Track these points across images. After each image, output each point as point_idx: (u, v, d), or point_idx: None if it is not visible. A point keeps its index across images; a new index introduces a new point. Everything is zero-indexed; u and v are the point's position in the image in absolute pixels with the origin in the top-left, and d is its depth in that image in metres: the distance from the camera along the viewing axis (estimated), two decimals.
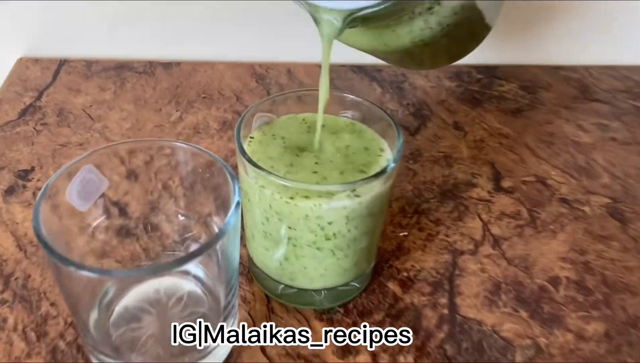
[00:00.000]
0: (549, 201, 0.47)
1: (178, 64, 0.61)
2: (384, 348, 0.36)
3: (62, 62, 0.59)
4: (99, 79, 0.57)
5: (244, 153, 0.33)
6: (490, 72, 0.62)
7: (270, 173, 0.32)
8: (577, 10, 0.62)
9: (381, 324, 0.38)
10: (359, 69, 0.62)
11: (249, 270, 0.40)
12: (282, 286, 0.38)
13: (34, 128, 0.51)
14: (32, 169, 0.47)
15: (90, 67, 0.59)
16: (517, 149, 0.52)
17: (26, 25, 0.58)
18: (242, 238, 0.39)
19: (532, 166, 0.51)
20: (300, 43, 0.62)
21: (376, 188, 0.33)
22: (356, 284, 0.39)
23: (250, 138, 0.36)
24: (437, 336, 0.37)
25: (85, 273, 0.26)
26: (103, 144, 0.50)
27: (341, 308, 0.38)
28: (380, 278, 0.40)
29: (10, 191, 0.45)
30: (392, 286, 0.40)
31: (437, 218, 0.45)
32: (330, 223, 0.32)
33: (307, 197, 0.32)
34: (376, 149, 0.36)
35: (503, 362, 0.36)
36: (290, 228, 0.33)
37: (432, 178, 0.49)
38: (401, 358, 0.36)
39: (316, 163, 0.34)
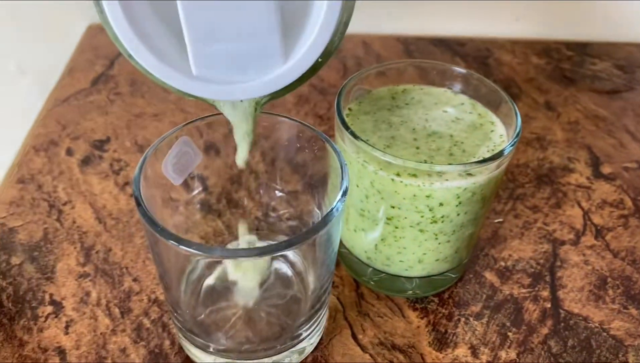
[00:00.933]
0: None
1: None
2: (484, 342, 0.34)
3: None
4: None
5: (346, 126, 0.30)
6: (581, 49, 0.58)
7: (375, 148, 0.29)
8: None
9: (479, 316, 0.35)
10: (440, 42, 0.58)
11: (339, 256, 0.38)
12: (371, 269, 0.35)
13: (107, 98, 0.50)
14: (108, 139, 0.46)
15: None
16: (615, 133, 0.48)
17: None
18: None
19: (634, 152, 0.47)
20: (375, 14, 0.58)
21: (491, 170, 0.30)
22: (451, 273, 0.36)
23: (349, 109, 0.33)
24: (540, 331, 0.34)
25: (189, 249, 0.24)
26: (179, 115, 0.48)
27: (436, 297, 0.36)
28: (476, 267, 0.38)
29: (86, 161, 0.44)
30: (490, 276, 0.37)
31: (534, 205, 0.42)
32: (441, 204, 0.29)
33: (414, 175, 0.29)
34: (487, 125, 0.33)
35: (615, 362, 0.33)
36: (393, 207, 0.30)
37: (526, 161, 0.45)
38: (503, 354, 0.33)
39: (415, 139, 0.32)
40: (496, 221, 0.41)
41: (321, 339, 0.33)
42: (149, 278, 0.36)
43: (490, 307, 0.35)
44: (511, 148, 0.30)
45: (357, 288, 0.36)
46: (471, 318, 0.35)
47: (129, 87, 0.51)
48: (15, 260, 0.37)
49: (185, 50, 0.22)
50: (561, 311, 0.35)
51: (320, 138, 0.29)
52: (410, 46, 0.58)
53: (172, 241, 0.24)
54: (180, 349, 0.33)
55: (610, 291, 0.37)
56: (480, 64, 0.55)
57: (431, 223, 0.30)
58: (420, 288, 0.36)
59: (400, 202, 0.30)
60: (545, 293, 0.36)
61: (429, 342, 0.34)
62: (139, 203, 0.25)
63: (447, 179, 0.29)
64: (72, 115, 0.47)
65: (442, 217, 0.30)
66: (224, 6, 0.21)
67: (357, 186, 0.31)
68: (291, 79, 0.23)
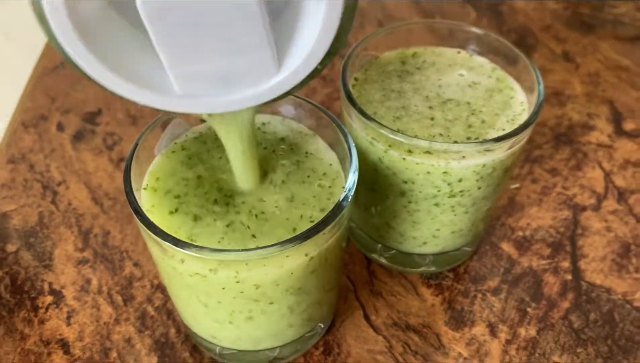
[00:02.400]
0: None
1: None
2: (502, 319, 0.32)
3: None
4: None
5: (352, 101, 0.28)
6: None
7: (383, 125, 0.27)
8: None
9: (497, 291, 0.33)
10: None
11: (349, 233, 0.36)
12: (381, 245, 0.34)
13: None
14: (99, 112, 0.43)
15: None
16: (639, 84, 0.46)
17: None
18: None
19: None
20: None
21: (511, 144, 0.27)
22: (467, 247, 0.34)
23: (355, 79, 0.31)
24: (561, 306, 0.33)
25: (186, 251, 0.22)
26: None
27: (450, 272, 0.34)
28: (492, 238, 0.36)
29: (79, 136, 0.41)
30: (507, 247, 0.35)
31: (553, 167, 0.40)
32: (460, 181, 0.27)
33: (428, 153, 0.27)
34: (507, 91, 0.30)
35: (639, 337, 0.32)
36: (405, 182, 0.28)
37: (543, 120, 0.43)
38: (522, 331, 0.32)
39: (430, 108, 0.29)
40: (512, 186, 0.39)
41: (333, 321, 0.32)
42: (150, 262, 0.34)
43: (508, 281, 0.34)
44: (533, 121, 0.27)
45: (369, 265, 0.35)
46: (488, 294, 0.33)
47: None
48: (10, 248, 0.35)
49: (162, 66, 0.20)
50: (582, 283, 0.34)
51: (328, 118, 0.27)
52: None
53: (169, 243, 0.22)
54: (187, 337, 0.31)
55: (634, 260, 0.35)
56: (493, 13, 0.52)
57: (449, 197, 0.28)
58: (435, 264, 0.34)
59: (414, 178, 0.28)
60: (566, 264, 0.35)
61: (445, 321, 0.32)
62: (130, 199, 0.23)
63: (464, 157, 0.27)
64: (62, 85, 0.45)
65: (462, 192, 0.28)
66: (202, 25, 0.18)
67: (366, 161, 0.29)
68: (286, 89, 0.20)
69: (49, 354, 0.31)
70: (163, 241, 0.22)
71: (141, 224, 0.23)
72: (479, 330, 0.32)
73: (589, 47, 0.49)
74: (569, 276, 0.34)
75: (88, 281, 0.34)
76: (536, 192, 0.38)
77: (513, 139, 0.27)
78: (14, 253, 0.35)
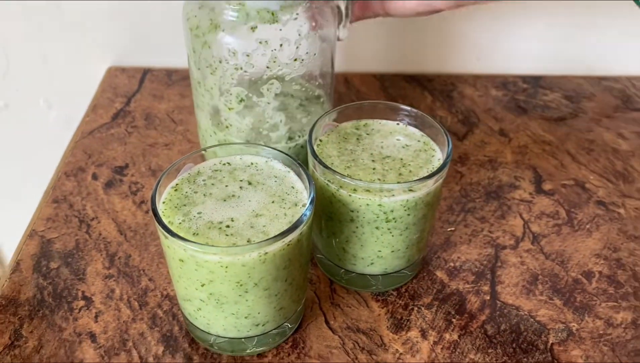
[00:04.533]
0: (587, 203, 0.52)
1: None
2: (432, 326, 0.41)
3: (146, 71, 0.67)
4: (179, 86, 0.65)
5: (315, 155, 0.39)
6: (536, 82, 0.67)
7: (335, 171, 0.38)
8: (622, 22, 0.66)
9: (430, 306, 0.43)
10: (411, 78, 0.67)
11: (314, 258, 0.46)
12: (343, 270, 0.44)
13: (126, 130, 0.59)
14: (127, 165, 0.54)
15: (171, 76, 0.66)
16: (558, 155, 0.57)
17: (114, 37, 0.66)
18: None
19: (572, 171, 0.55)
20: (355, 54, 0.67)
21: (429, 186, 0.38)
22: (407, 271, 0.44)
23: (320, 140, 0.42)
24: (479, 318, 0.42)
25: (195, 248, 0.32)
26: (185, 144, 0.57)
27: (394, 291, 0.44)
28: (429, 267, 0.46)
29: (109, 184, 0.52)
30: (440, 274, 0.45)
31: (482, 216, 0.50)
32: (392, 211, 0.38)
33: (368, 191, 0.37)
34: (429, 151, 0.41)
35: (537, 342, 0.41)
36: (352, 211, 0.39)
37: (478, 180, 0.54)
38: (447, 335, 0.41)
39: (373, 161, 0.40)
40: (449, 229, 0.49)
41: (300, 324, 0.41)
42: (162, 278, 0.44)
43: (439, 299, 0.43)
44: (441, 170, 0.38)
45: (331, 284, 0.44)
46: (423, 308, 0.43)
47: (144, 121, 0.60)
48: (53, 265, 0.45)
49: None
50: (498, 302, 0.43)
51: (298, 164, 0.38)
52: (386, 82, 0.66)
53: (180, 241, 0.33)
54: (187, 333, 0.41)
55: (540, 286, 0.45)
56: (445, 97, 0.64)
57: (386, 221, 0.39)
58: (383, 284, 0.44)
59: (358, 208, 0.38)
60: (486, 288, 0.44)
61: (387, 326, 0.42)
62: (155, 214, 0.34)
63: (393, 195, 0.37)
64: (96, 145, 0.56)
65: (394, 219, 0.38)
66: None
67: (324, 196, 0.40)
68: None
69: (80, 342, 0.40)
70: (175, 239, 0.33)
71: (158, 225, 0.33)
72: (413, 333, 0.41)
73: (521, 126, 0.60)
74: (487, 297, 0.44)
75: (112, 290, 0.43)
76: (467, 234, 0.48)
77: (426, 183, 0.38)
78: (56, 269, 0.45)
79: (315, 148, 0.40)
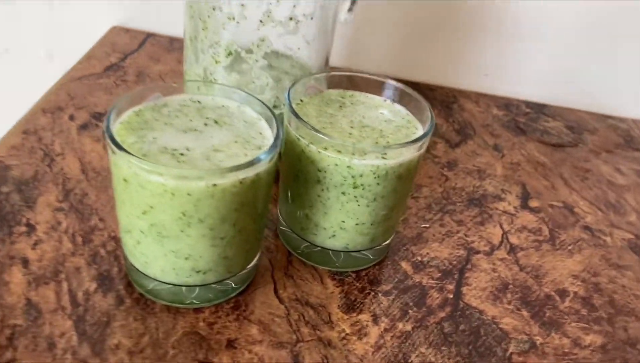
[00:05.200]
0: (573, 226, 0.49)
1: None
2: (385, 313, 0.39)
3: (149, 35, 0.66)
4: (179, 54, 0.64)
5: (291, 107, 0.37)
6: (539, 108, 0.65)
7: (308, 124, 0.36)
8: (638, 64, 0.64)
9: (388, 293, 0.40)
10: (414, 85, 0.65)
11: (277, 230, 0.44)
12: (306, 244, 0.41)
13: (114, 82, 0.57)
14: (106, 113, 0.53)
15: (172, 43, 0.65)
16: (551, 177, 0.54)
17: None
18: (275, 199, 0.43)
19: (562, 194, 0.53)
20: (362, 53, 0.66)
21: (404, 154, 0.36)
22: (370, 255, 0.41)
23: (301, 100, 0.40)
24: (437, 314, 0.39)
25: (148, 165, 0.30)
26: None
27: (354, 273, 0.41)
28: (395, 257, 0.43)
29: (84, 127, 0.51)
30: (405, 265, 0.43)
31: (460, 219, 0.47)
32: (361, 175, 0.36)
33: (339, 151, 0.35)
34: (412, 128, 0.39)
35: (496, 349, 0.38)
36: (319, 170, 0.36)
37: (462, 186, 0.51)
38: (400, 325, 0.38)
39: (351, 127, 0.38)
40: (423, 226, 0.46)
41: (248, 288, 0.39)
42: (113, 220, 0.42)
43: (399, 288, 0.41)
44: (419, 141, 0.36)
45: (289, 256, 0.42)
46: (380, 294, 0.40)
47: (135, 77, 0.58)
48: (4, 189, 0.43)
49: None
50: (461, 302, 0.40)
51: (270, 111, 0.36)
52: None
53: (127, 156, 0.31)
54: (125, 275, 0.38)
55: (509, 295, 0.42)
56: (445, 107, 0.62)
57: (353, 187, 0.36)
58: (343, 263, 0.41)
59: (326, 167, 0.36)
60: (451, 287, 0.41)
61: (339, 305, 0.39)
62: (107, 129, 0.32)
63: (365, 158, 0.35)
64: (81, 90, 0.55)
65: (362, 185, 0.36)
66: None
67: (293, 152, 0.37)
68: None
69: (11, 266, 0.37)
70: (122, 153, 0.30)
71: (108, 139, 0.31)
72: (364, 317, 0.38)
73: (517, 145, 0.58)
74: (450, 296, 0.41)
75: (59, 223, 0.41)
76: (441, 233, 0.46)
77: (400, 151, 0.35)
78: (6, 193, 0.43)
79: (294, 105, 0.38)
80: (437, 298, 0.40)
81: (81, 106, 0.53)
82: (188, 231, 0.33)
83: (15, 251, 0.38)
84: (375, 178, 0.36)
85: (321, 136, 0.35)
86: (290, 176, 0.39)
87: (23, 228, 0.40)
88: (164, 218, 0.32)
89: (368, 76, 0.42)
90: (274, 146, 0.33)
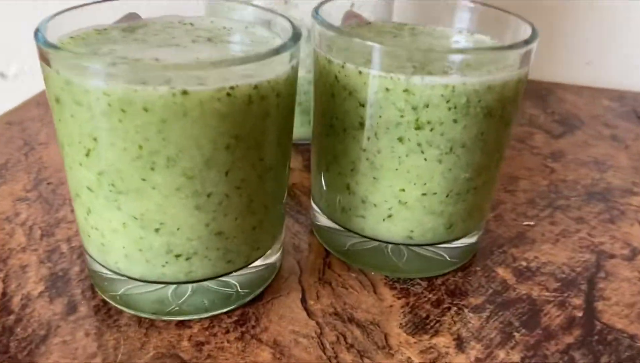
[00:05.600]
0: None
1: None
2: (477, 336, 0.24)
3: None
4: None
5: (318, 16, 0.25)
6: None
7: (342, 31, 0.24)
8: None
9: (478, 309, 0.26)
10: None
11: (311, 227, 0.31)
12: (352, 241, 0.28)
13: None
14: None
15: None
16: None
17: None
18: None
19: None
20: None
21: (497, 66, 0.23)
22: (447, 256, 0.28)
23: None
24: (562, 339, 0.24)
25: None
26: None
27: (424, 281, 0.27)
28: (487, 261, 0.29)
29: None
30: (503, 272, 0.28)
31: (579, 217, 0.33)
32: (427, 106, 0.23)
33: (390, 71, 0.23)
34: (499, 52, 0.26)
35: None
36: (363, 105, 0.24)
37: (575, 178, 0.37)
38: (501, 353, 0.24)
39: (409, 51, 0.26)
40: (525, 223, 0.32)
41: (262, 295, 0.26)
42: None
43: (495, 302, 0.26)
44: (520, 48, 0.23)
45: (327, 256, 0.29)
46: (466, 310, 0.26)
47: None
48: None
49: None
50: (597, 323, 0.25)
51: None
52: None
53: (52, 51, 0.20)
54: (87, 278, 0.26)
55: None
56: (538, 99, 0.49)
57: (415, 128, 0.23)
58: (407, 265, 0.27)
59: (372, 97, 0.23)
60: (578, 302, 0.27)
61: (400, 324, 0.25)
62: (37, 34, 0.21)
63: (429, 72, 0.23)
64: None
65: (430, 123, 0.23)
66: None
67: (325, 86, 0.25)
68: None
69: None
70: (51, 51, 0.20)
71: (37, 41, 0.20)
72: (443, 340, 0.24)
73: None
74: (579, 314, 0.26)
75: (17, 214, 0.30)
76: (553, 232, 0.32)
77: (490, 58, 0.23)
78: None
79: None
80: (558, 316, 0.26)
81: None
82: (153, 180, 0.21)
83: None
84: (449, 109, 0.23)
85: (361, 41, 0.23)
86: (322, 131, 0.27)
87: None
88: (114, 157, 0.20)
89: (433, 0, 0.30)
90: (285, 45, 0.21)
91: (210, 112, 0.20)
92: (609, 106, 0.48)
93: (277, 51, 0.21)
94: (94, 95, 0.19)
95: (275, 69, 0.21)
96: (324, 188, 0.28)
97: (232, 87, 0.20)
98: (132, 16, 0.26)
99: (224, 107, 0.20)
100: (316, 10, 0.26)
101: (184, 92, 0.19)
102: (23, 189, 0.33)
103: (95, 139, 0.20)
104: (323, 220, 0.29)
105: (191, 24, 0.26)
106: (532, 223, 0.32)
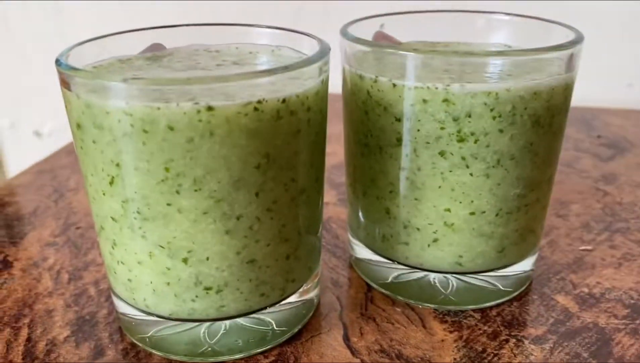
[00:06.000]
0: None
1: None
2: None
3: None
4: None
5: (347, 34, 0.24)
6: None
7: (373, 43, 0.23)
8: None
9: (541, 340, 0.23)
10: None
11: (350, 260, 0.29)
12: (395, 273, 0.26)
13: None
14: None
15: None
16: None
17: None
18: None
19: None
20: None
21: (544, 71, 0.21)
22: (501, 285, 0.25)
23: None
24: None
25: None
26: None
27: (477, 313, 0.25)
28: (544, 289, 0.27)
29: None
30: (563, 300, 0.26)
31: None
32: (469, 116, 0.21)
33: (426, 83, 0.21)
34: (546, 60, 0.25)
35: None
36: (399, 120, 0.22)
37: (632, 201, 0.34)
38: None
39: (449, 65, 0.24)
40: (582, 248, 0.30)
41: (300, 333, 0.24)
42: None
43: (558, 332, 0.24)
44: (567, 48, 0.22)
45: (368, 291, 0.27)
46: (527, 341, 0.23)
47: None
48: None
49: None
50: None
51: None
52: None
53: (71, 73, 0.19)
54: (115, 320, 0.25)
55: None
56: (582, 124, 0.46)
57: (458, 141, 0.22)
58: (457, 296, 0.25)
59: (408, 110, 0.22)
60: None
61: (456, 359, 0.22)
62: (58, 62, 0.21)
63: (468, 80, 0.21)
64: None
65: (474, 134, 0.21)
66: None
67: (356, 103, 0.24)
68: None
69: None
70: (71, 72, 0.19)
71: (57, 66, 0.20)
72: None
73: None
74: None
75: (45, 259, 0.29)
76: (614, 257, 0.29)
77: (537, 59, 0.21)
78: None
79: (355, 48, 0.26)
80: (632, 345, 0.23)
81: None
82: (179, 204, 0.19)
83: None
84: (494, 118, 0.21)
85: (394, 51, 0.22)
86: (357, 151, 0.25)
87: None
88: (138, 182, 0.19)
89: (469, 12, 0.29)
90: (312, 58, 0.20)
91: (238, 129, 0.18)
92: None
93: (304, 63, 0.20)
94: (115, 116, 0.18)
95: (304, 83, 0.20)
96: (362, 215, 0.26)
97: (259, 102, 0.18)
98: (157, 46, 0.25)
99: (251, 123, 0.19)
100: (345, 28, 0.25)
101: (209, 108, 0.18)
102: (51, 234, 0.32)
103: (118, 165, 0.19)
104: (362, 252, 0.27)
105: (217, 50, 0.25)
106: (589, 247, 0.30)
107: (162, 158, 0.19)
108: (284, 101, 0.19)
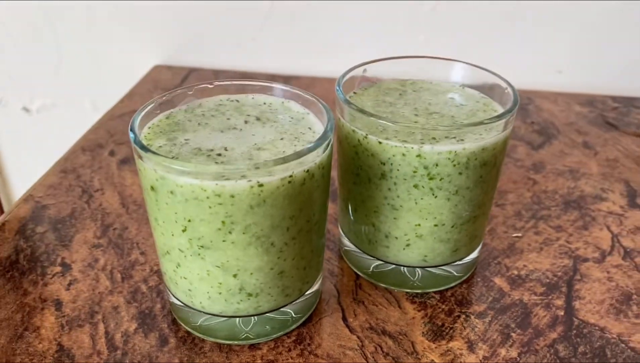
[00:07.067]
0: None
1: (297, 78, 0.62)
2: (483, 338, 0.31)
3: (192, 70, 0.63)
4: None
5: (342, 95, 0.32)
6: (629, 102, 0.57)
7: (364, 111, 0.30)
8: None
9: (482, 315, 0.33)
10: None
11: (340, 251, 0.37)
12: (375, 263, 0.35)
13: None
14: None
15: (217, 75, 0.62)
16: None
17: (163, 35, 0.63)
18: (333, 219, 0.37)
19: None
20: None
21: (485, 135, 0.29)
22: (454, 271, 0.34)
23: (354, 93, 0.35)
24: (548, 335, 0.32)
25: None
26: None
27: (437, 294, 0.34)
28: (485, 272, 0.36)
29: (125, 161, 0.47)
30: (499, 281, 0.35)
31: (558, 225, 0.40)
32: (436, 165, 0.29)
33: (404, 140, 0.29)
34: (489, 112, 0.33)
35: None
36: (384, 163, 0.30)
37: (554, 188, 0.44)
38: (502, 351, 0.31)
39: (415, 115, 0.32)
40: (514, 235, 0.39)
41: (310, 317, 0.32)
42: (154, 251, 0.37)
43: (495, 308, 0.33)
44: (502, 118, 0.30)
45: (357, 279, 0.35)
46: (472, 316, 0.33)
47: None
48: (39, 229, 0.39)
49: None
50: (575, 319, 0.33)
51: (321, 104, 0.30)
52: None
53: (152, 156, 0.26)
54: (169, 312, 0.33)
55: (635, 307, 0.33)
56: (519, 110, 0.55)
57: (428, 178, 0.30)
58: (422, 282, 0.34)
59: (391, 159, 0.30)
60: (559, 302, 0.34)
61: (423, 332, 0.32)
62: (132, 129, 0.27)
63: (436, 141, 0.29)
64: (122, 127, 0.52)
65: (439, 174, 0.30)
66: None
67: (349, 146, 0.32)
68: None
69: (42, 309, 0.33)
70: (148, 154, 0.26)
71: (133, 142, 0.26)
72: (457, 344, 0.31)
73: (610, 141, 0.50)
74: (560, 312, 0.33)
75: (96, 260, 0.36)
76: (537, 242, 0.38)
77: (480, 130, 0.29)
78: (41, 233, 0.39)
79: (347, 98, 0.33)
80: (545, 316, 0.33)
81: (122, 142, 0.49)
82: (231, 239, 0.27)
83: (48, 293, 0.34)
84: (454, 166, 0.30)
85: (381, 121, 0.30)
86: (349, 179, 0.33)
87: (57, 268, 0.36)
88: (203, 229, 0.27)
89: (431, 58, 0.36)
90: (325, 133, 0.28)
91: (281, 196, 0.26)
92: (580, 112, 0.55)
93: (322, 142, 0.27)
94: (188, 188, 0.25)
95: (320, 154, 0.27)
96: (352, 225, 0.35)
97: (291, 176, 0.26)
98: (189, 100, 0.32)
99: (287, 191, 0.26)
100: (339, 83, 0.33)
101: (261, 185, 0.25)
102: (94, 236, 0.39)
103: (189, 220, 0.27)
104: (351, 246, 0.36)
105: (237, 100, 0.32)
106: (519, 234, 0.39)
107: (223, 215, 0.26)
108: (307, 171, 0.27)
